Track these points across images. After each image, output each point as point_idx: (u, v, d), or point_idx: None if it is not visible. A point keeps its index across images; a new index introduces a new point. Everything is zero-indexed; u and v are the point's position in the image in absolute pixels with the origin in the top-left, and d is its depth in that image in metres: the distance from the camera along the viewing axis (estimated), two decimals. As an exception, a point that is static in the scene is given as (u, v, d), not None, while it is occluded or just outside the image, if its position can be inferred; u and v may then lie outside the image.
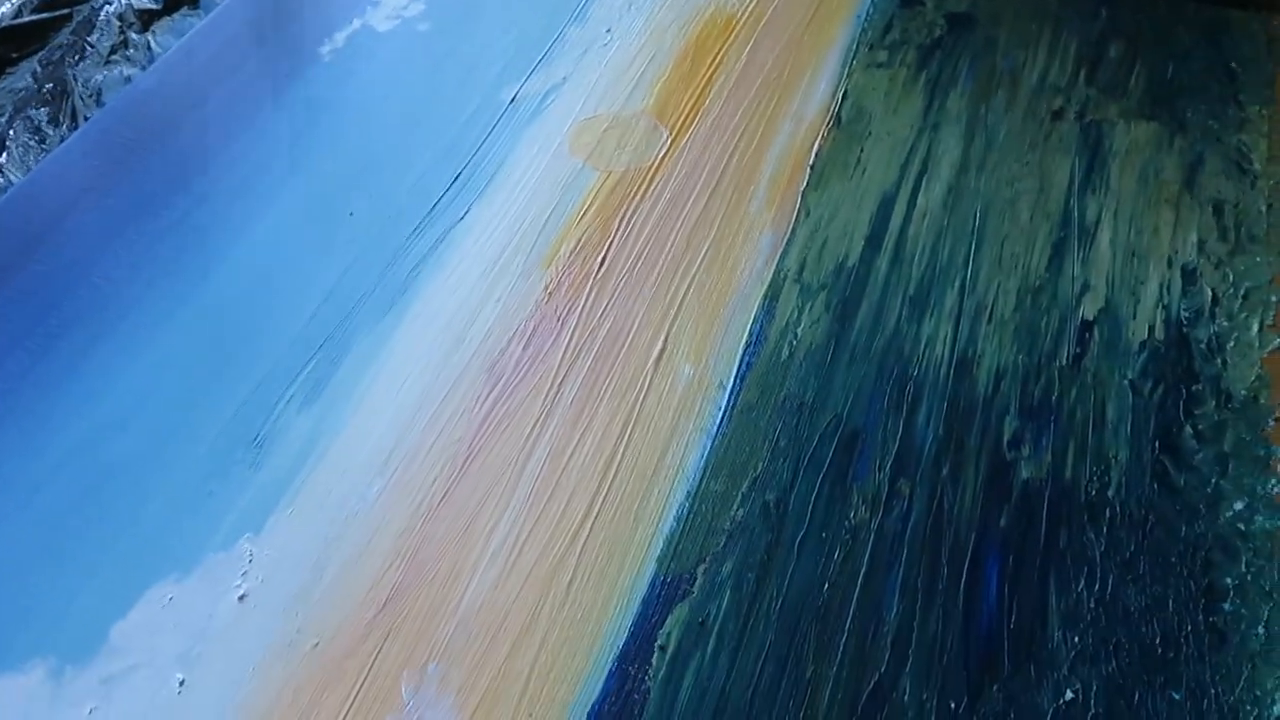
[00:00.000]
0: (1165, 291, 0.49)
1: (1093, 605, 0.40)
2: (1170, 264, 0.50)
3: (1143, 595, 0.40)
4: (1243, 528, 0.41)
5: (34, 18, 0.68)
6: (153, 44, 0.67)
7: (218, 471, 0.45)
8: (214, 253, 0.53)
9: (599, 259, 0.52)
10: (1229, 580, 0.40)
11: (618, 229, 0.53)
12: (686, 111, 0.59)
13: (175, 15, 0.69)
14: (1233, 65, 0.59)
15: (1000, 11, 0.64)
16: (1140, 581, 0.40)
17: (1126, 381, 0.46)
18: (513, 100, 0.60)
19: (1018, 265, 0.51)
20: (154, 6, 0.69)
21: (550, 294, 0.51)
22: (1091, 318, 0.49)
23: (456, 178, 0.56)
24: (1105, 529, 0.42)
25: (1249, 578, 0.40)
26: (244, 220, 0.54)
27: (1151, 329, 0.48)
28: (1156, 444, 0.44)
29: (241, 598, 0.41)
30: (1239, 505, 0.42)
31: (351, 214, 0.54)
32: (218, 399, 0.47)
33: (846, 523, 0.42)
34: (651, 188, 0.55)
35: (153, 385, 0.48)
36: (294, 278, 0.52)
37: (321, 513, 0.44)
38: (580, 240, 0.53)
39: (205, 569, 0.42)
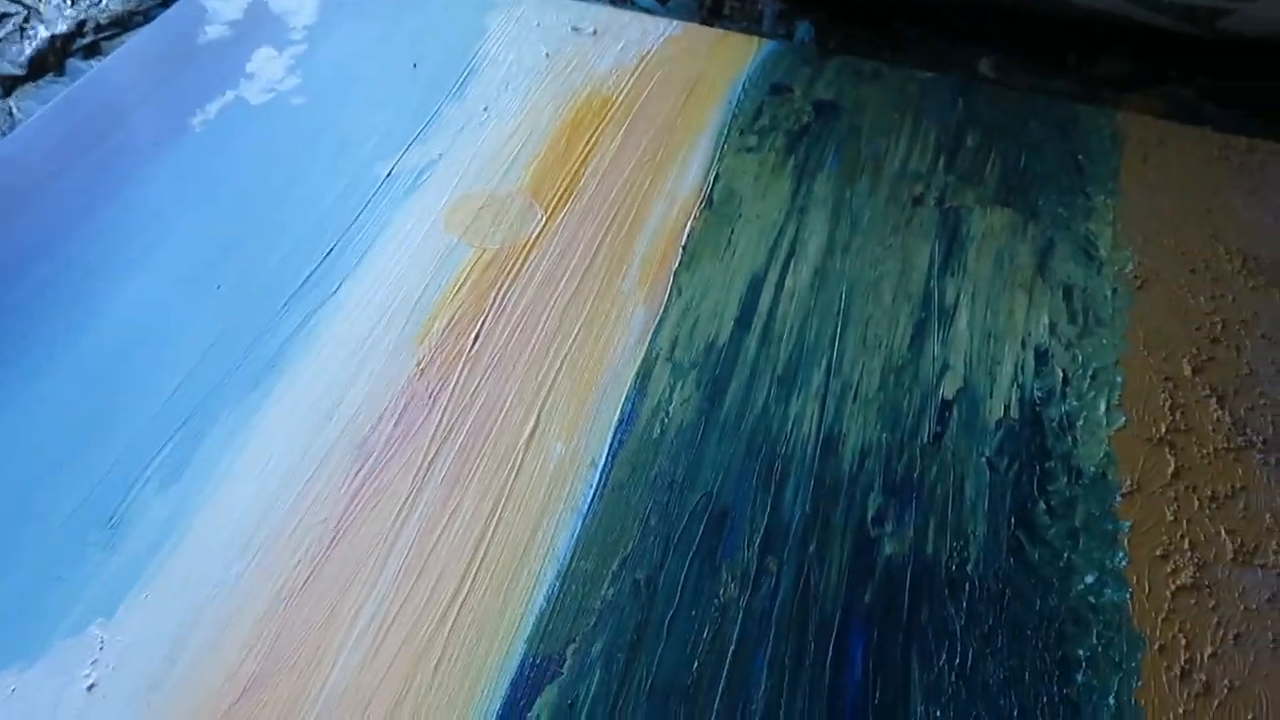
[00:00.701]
0: (1020, 371, 0.51)
1: (953, 679, 0.41)
2: (1024, 345, 0.53)
3: (1000, 669, 0.41)
4: (1093, 600, 0.43)
5: (-113, 80, 0.66)
6: (15, 110, 0.65)
7: (69, 554, 0.43)
8: (72, 326, 0.51)
9: (472, 336, 0.52)
10: (1081, 652, 0.41)
11: (491, 306, 0.53)
12: (561, 191, 0.59)
13: (40, 82, 0.68)
14: (1080, 158, 0.63)
15: (864, 100, 0.67)
16: (998, 655, 0.41)
17: (984, 459, 0.48)
18: (388, 176, 0.60)
19: (881, 345, 0.52)
20: (18, 72, 0.67)
21: (422, 371, 0.50)
22: (951, 397, 0.50)
23: (329, 253, 0.55)
24: (965, 603, 0.43)
25: (1099, 649, 0.42)
26: (105, 292, 0.53)
27: (1007, 408, 0.50)
28: (1012, 519, 0.46)
29: (90, 687, 0.40)
30: (1090, 579, 0.44)
31: (219, 287, 0.53)
32: (71, 478, 0.46)
33: (716, 601, 0.43)
34: (525, 266, 0.55)
35: (0, 462, 0.46)
36: (157, 352, 0.50)
37: (178, 597, 0.42)
38: (453, 317, 0.53)
39: (52, 657, 0.40)
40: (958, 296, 0.55)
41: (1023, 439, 0.49)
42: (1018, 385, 0.51)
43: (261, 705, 0.39)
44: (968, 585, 0.43)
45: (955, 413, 0.50)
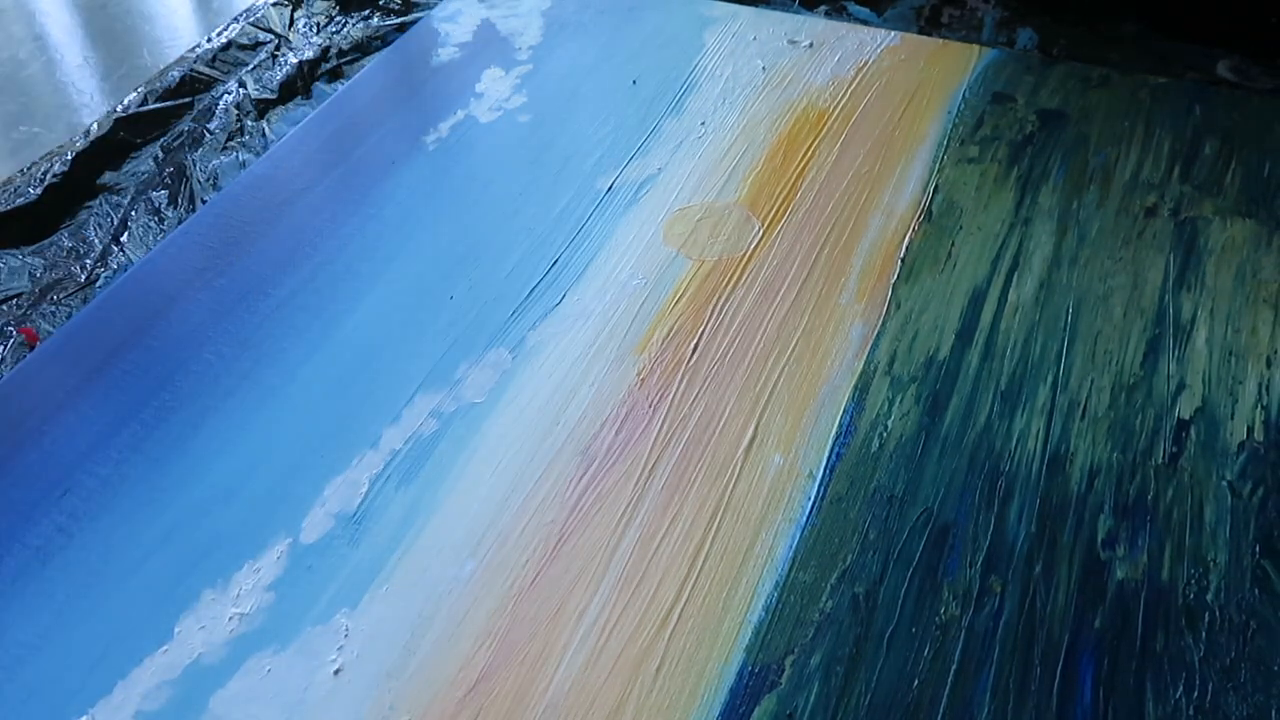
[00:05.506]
0: (1264, 392, 0.49)
1: (1191, 713, 0.39)
2: (1269, 364, 0.50)
3: (1244, 704, 0.39)
4: (1348, 638, 0.40)
5: (157, 105, 0.72)
6: (267, 131, 0.70)
7: (317, 547, 0.46)
8: (319, 332, 0.55)
9: (691, 347, 0.53)
10: (1335, 692, 0.39)
11: (710, 318, 0.54)
12: (778, 203, 0.60)
13: (289, 105, 0.73)
14: (1332, 164, 0.59)
15: (1092, 108, 0.65)
16: (1241, 690, 0.39)
17: (1225, 483, 0.45)
18: (609, 190, 0.62)
19: (1111, 362, 0.51)
20: (270, 96, 0.73)
21: (643, 380, 0.51)
22: (1188, 417, 0.48)
23: (554, 264, 0.58)
24: (1204, 634, 0.41)
25: (1356, 690, 0.39)
26: (349, 301, 0.56)
27: (1250, 430, 0.47)
28: (1257, 548, 0.43)
29: (337, 672, 0.42)
30: (1344, 614, 0.41)
31: (452, 298, 0.56)
32: (320, 475, 0.49)
33: (937, 619, 0.42)
34: (743, 278, 0.56)
35: (258, 460, 0.50)
36: (395, 358, 0.54)
37: (415, 591, 0.44)
38: (673, 328, 0.54)
39: (302, 642, 0.43)
40: (1195, 312, 0.52)
41: (1269, 463, 0.46)
42: (1262, 406, 0.48)
43: (492, 696, 0.41)
44: (1207, 615, 0.41)
45: (1192, 434, 0.47)
